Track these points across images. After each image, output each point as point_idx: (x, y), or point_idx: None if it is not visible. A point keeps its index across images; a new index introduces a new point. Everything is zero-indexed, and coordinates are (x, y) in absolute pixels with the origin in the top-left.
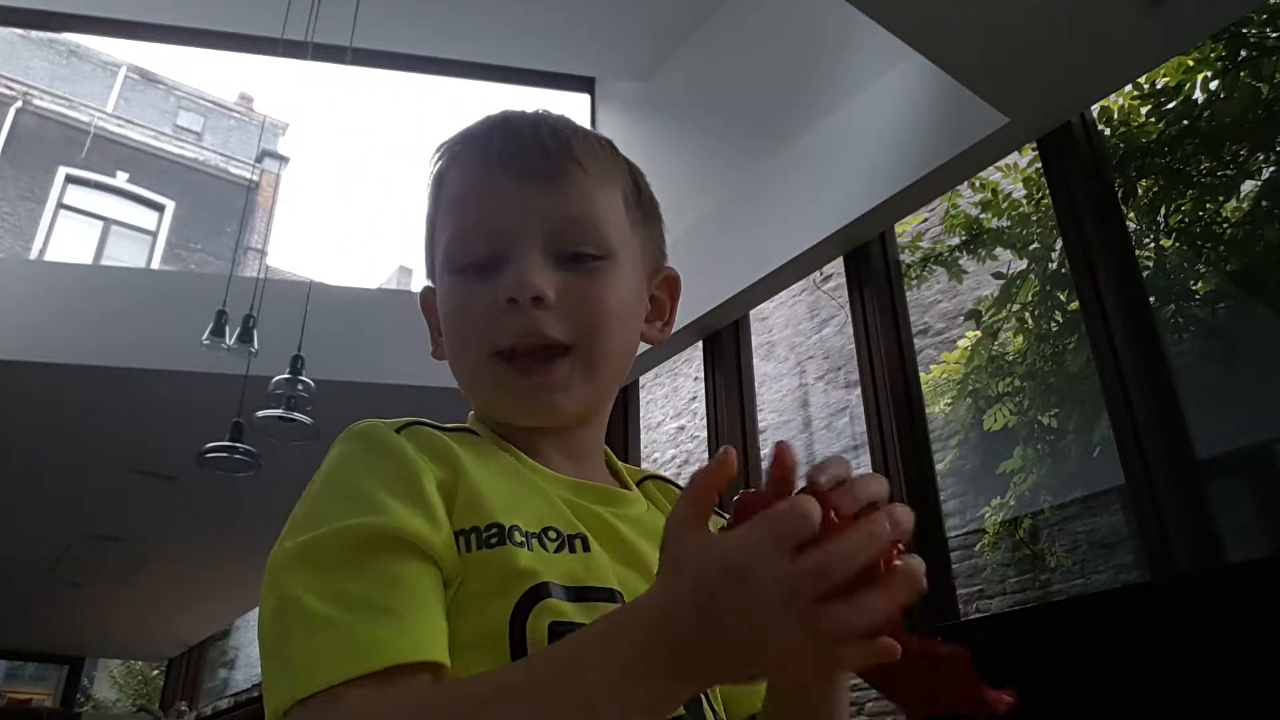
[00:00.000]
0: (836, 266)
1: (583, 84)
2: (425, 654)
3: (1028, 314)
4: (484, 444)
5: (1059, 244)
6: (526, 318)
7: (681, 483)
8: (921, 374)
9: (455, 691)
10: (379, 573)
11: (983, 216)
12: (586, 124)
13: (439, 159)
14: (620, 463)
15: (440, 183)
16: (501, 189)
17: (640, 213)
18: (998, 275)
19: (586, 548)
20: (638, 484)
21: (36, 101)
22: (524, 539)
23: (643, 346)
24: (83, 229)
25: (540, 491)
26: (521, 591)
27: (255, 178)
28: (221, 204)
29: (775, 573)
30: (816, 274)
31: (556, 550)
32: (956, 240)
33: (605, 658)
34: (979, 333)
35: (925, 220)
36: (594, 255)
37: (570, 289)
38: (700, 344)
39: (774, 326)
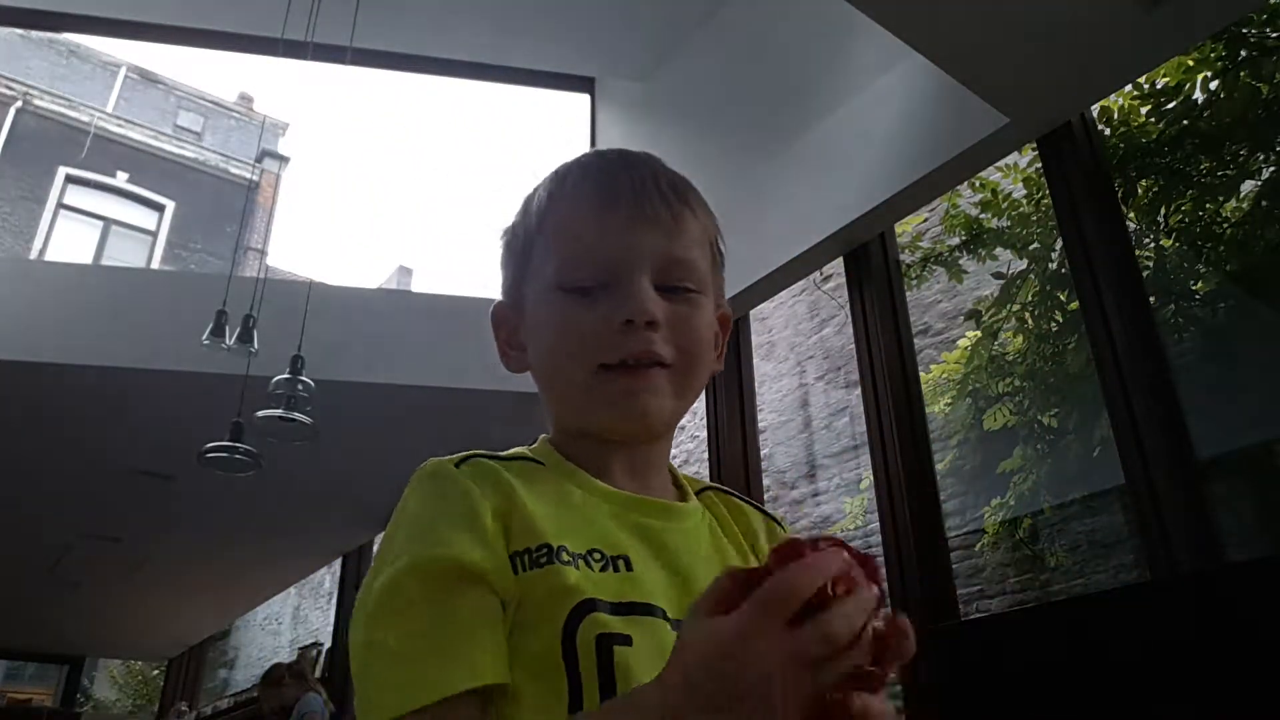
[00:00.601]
0: (836, 266)
1: (583, 84)
2: (480, 680)
3: (1028, 314)
4: (540, 472)
5: (1059, 244)
6: (641, 338)
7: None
8: (921, 374)
9: None
10: (443, 607)
11: (983, 216)
12: (586, 124)
13: (550, 184)
14: (682, 474)
15: (549, 206)
16: (623, 226)
17: (719, 258)
18: (998, 275)
19: (629, 568)
20: (698, 493)
21: (36, 101)
22: (570, 558)
23: None
24: (83, 229)
25: (588, 517)
26: (571, 606)
27: (255, 178)
28: (221, 204)
29: (769, 647)
30: (816, 274)
31: (601, 570)
32: (956, 240)
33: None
34: (979, 333)
35: (925, 220)
36: (691, 289)
37: (673, 316)
38: None
39: (774, 326)
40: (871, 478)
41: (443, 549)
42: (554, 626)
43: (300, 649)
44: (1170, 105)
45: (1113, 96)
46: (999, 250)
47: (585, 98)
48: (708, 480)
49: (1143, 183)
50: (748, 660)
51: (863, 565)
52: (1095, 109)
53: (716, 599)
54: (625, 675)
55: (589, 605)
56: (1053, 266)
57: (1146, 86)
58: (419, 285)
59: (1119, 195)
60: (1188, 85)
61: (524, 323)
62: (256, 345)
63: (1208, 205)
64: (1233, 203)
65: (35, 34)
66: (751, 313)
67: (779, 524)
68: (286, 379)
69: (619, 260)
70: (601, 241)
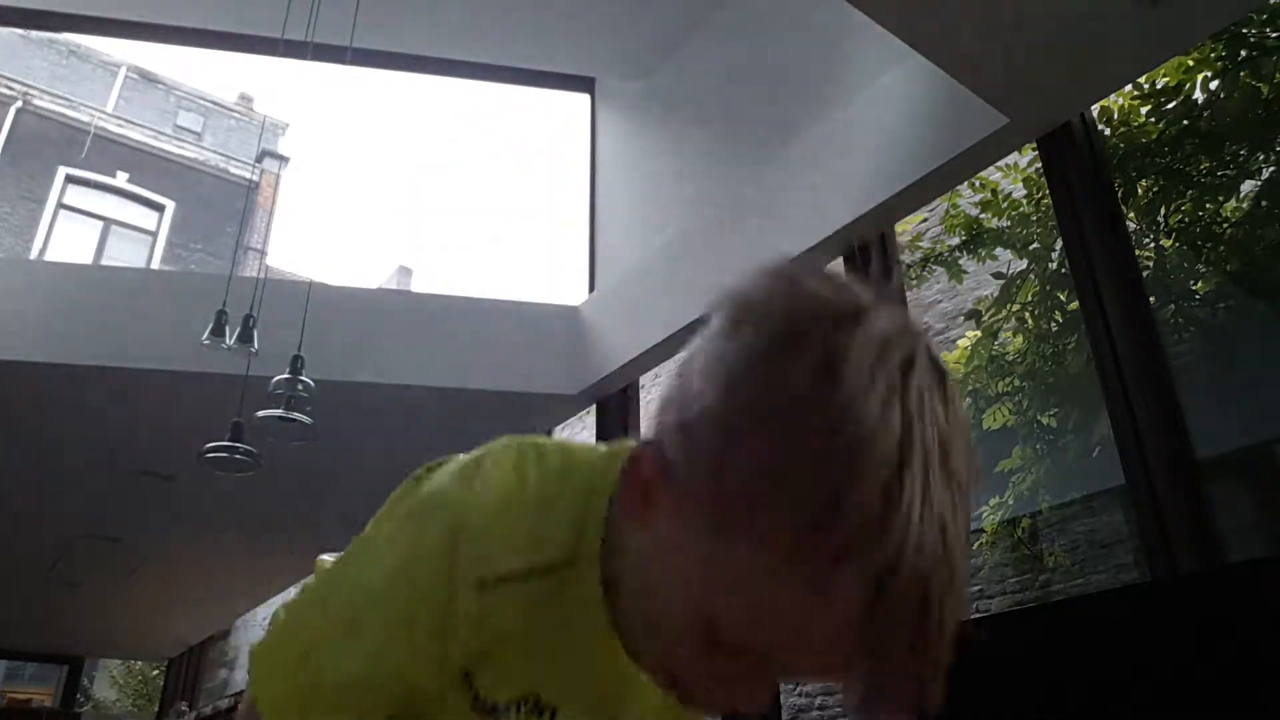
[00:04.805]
0: (836, 266)
1: (583, 84)
2: None
3: (1028, 314)
4: (560, 589)
5: (1059, 244)
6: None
7: None
8: None
9: None
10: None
11: (983, 216)
12: (587, 124)
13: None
14: None
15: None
16: (832, 638)
17: None
18: (998, 275)
19: (553, 717)
20: None
21: (36, 101)
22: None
23: (643, 341)
24: (83, 229)
25: (575, 664)
26: None
27: (255, 178)
28: (221, 204)
29: None
30: None
31: None
32: (956, 240)
33: None
34: (979, 333)
35: (925, 220)
36: None
37: None
38: None
39: None
40: None
41: (370, 667)
42: None
43: None
44: (1170, 105)
45: (1113, 96)
46: (999, 250)
47: (585, 98)
48: None
49: (1143, 183)
50: None
51: None
52: (1095, 109)
53: None
54: None
55: None
56: (1053, 266)
57: (1146, 86)
58: (419, 285)
59: (1119, 195)
60: (1188, 85)
61: (666, 509)
62: (256, 345)
63: (1208, 205)
64: (1233, 203)
65: (35, 34)
66: None
67: None
68: (286, 379)
69: (781, 656)
70: (793, 637)
